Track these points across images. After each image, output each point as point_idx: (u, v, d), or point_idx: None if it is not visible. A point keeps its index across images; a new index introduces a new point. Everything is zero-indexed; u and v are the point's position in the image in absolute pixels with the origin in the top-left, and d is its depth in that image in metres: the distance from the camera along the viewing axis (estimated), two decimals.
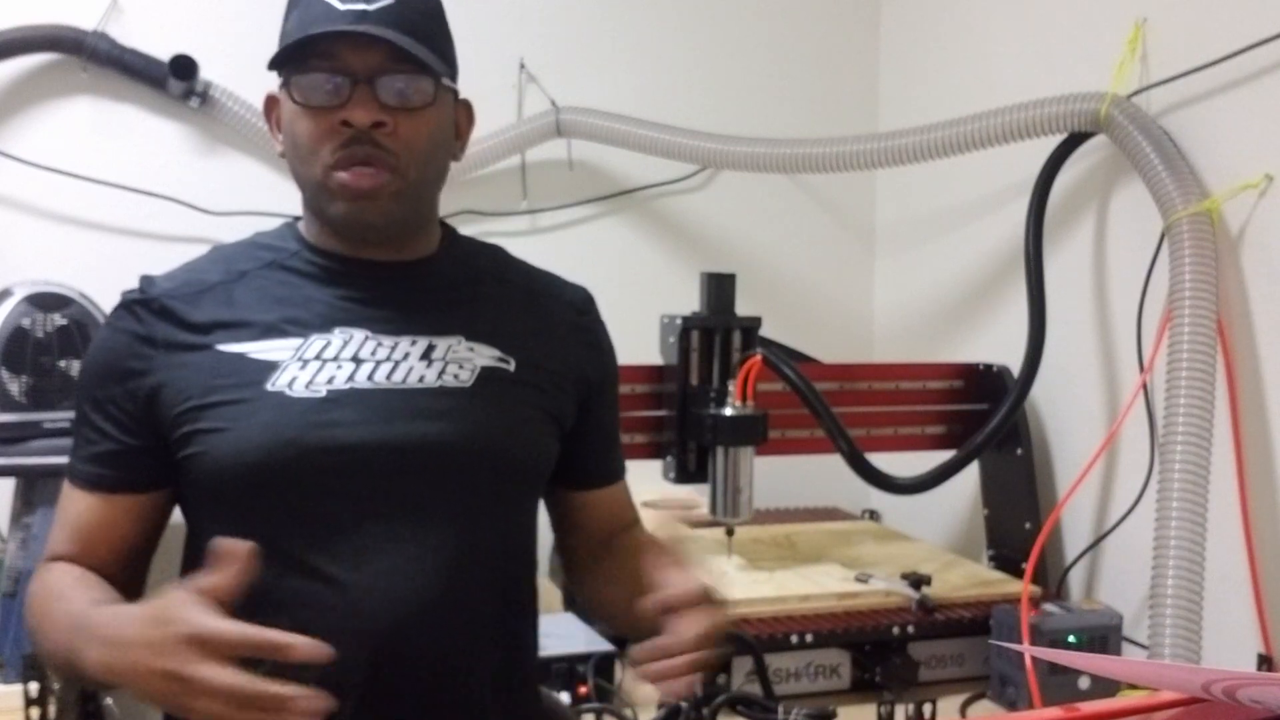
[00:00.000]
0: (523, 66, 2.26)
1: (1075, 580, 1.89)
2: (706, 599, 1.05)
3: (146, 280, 1.18)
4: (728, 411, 1.72)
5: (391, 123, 1.12)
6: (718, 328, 1.82)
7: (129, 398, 1.13)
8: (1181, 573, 1.46)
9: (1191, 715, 0.76)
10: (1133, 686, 1.24)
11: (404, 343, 1.16)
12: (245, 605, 0.94)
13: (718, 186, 2.42)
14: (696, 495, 1.90)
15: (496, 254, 1.31)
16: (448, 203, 1.25)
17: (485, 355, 1.19)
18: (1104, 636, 1.57)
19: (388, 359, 1.15)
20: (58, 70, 2.05)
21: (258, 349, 1.13)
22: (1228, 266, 1.61)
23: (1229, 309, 1.61)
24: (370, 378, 1.13)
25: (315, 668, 1.05)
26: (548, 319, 1.27)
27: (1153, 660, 1.41)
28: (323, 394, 1.11)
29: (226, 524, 1.05)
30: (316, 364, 1.13)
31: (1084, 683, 1.52)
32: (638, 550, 1.22)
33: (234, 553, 0.94)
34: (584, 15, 2.32)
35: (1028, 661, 1.50)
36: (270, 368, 1.11)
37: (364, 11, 1.11)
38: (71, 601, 1.07)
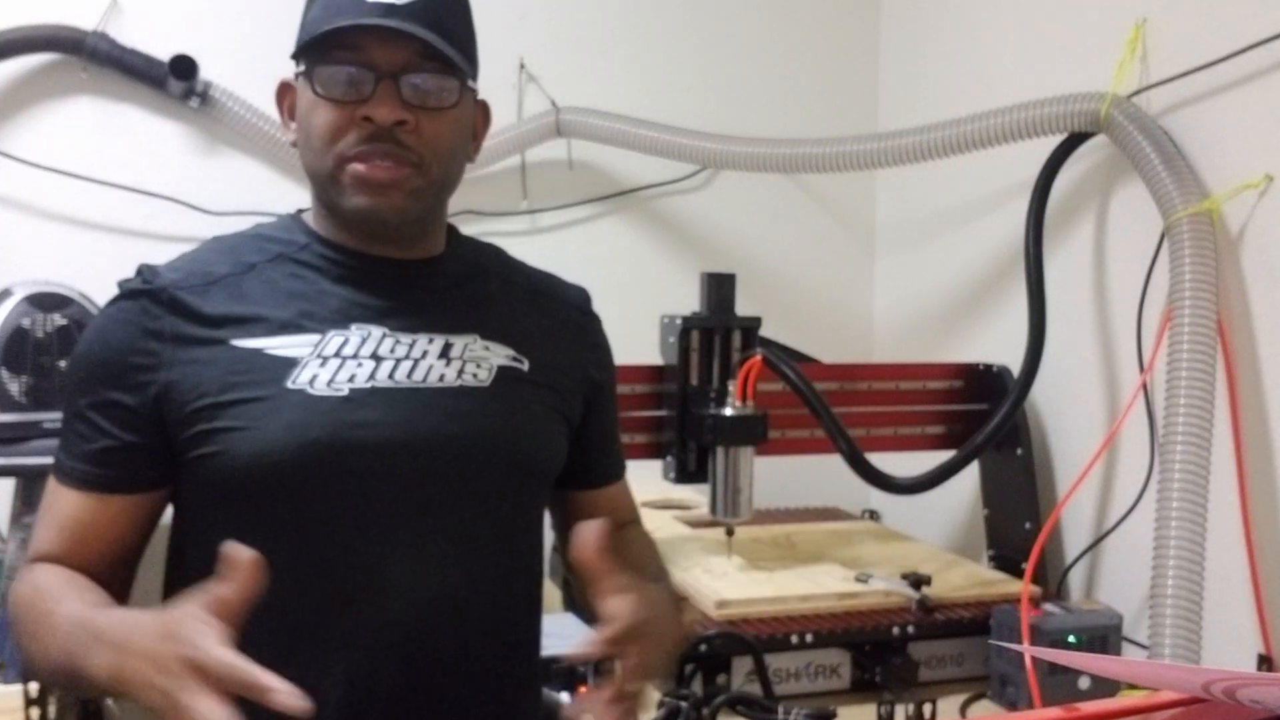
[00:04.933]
0: (523, 66, 2.26)
1: (1075, 580, 1.89)
2: (645, 629, 1.01)
3: (149, 270, 1.13)
4: (728, 411, 1.72)
5: (414, 121, 1.09)
6: (718, 328, 1.82)
7: (133, 393, 1.08)
8: (1181, 573, 1.46)
9: (1191, 715, 0.76)
10: (1133, 686, 1.24)
11: (421, 341, 1.15)
12: (270, 609, 0.91)
13: (718, 186, 2.41)
14: (697, 495, 1.90)
15: (499, 254, 1.31)
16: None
17: (500, 354, 1.18)
18: (1104, 636, 1.56)
19: (406, 357, 1.13)
20: (58, 70, 2.05)
21: (275, 345, 1.09)
22: (1228, 266, 1.61)
23: (1229, 309, 1.61)
24: (391, 376, 1.11)
25: (343, 672, 1.04)
26: (554, 319, 1.26)
27: (1153, 660, 1.41)
28: (345, 393, 1.09)
29: (239, 526, 1.02)
30: (336, 361, 1.10)
31: (1084, 683, 1.52)
32: (621, 551, 1.20)
33: (242, 563, 0.88)
34: (584, 15, 2.32)
35: (1028, 661, 1.50)
36: (289, 364, 1.08)
37: (393, 5, 1.07)
38: (69, 604, 1.03)
